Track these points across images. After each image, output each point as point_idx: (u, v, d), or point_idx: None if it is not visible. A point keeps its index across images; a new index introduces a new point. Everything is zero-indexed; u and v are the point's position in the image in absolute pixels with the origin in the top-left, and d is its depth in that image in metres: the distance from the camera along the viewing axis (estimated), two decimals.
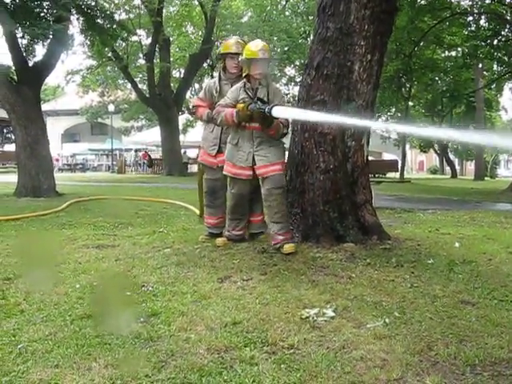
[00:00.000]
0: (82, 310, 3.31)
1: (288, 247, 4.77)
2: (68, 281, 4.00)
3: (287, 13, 31.75)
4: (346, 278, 4.04)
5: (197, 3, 26.68)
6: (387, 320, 3.15)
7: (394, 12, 5.45)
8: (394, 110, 34.48)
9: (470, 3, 24.19)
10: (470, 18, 24.58)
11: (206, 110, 5.51)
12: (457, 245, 5.57)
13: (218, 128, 5.43)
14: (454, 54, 28.80)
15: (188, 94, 31.09)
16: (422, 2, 21.41)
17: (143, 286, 3.86)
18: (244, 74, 5.03)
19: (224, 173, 5.18)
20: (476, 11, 24.06)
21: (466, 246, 5.59)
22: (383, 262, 4.58)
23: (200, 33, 29.93)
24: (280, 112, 4.73)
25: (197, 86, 33.87)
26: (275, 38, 29.17)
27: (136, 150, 40.49)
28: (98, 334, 2.90)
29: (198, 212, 7.77)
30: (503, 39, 22.83)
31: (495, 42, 23.19)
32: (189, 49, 29.41)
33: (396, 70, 21.90)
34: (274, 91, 5.12)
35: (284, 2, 31.81)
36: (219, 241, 5.22)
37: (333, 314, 3.23)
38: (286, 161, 5.35)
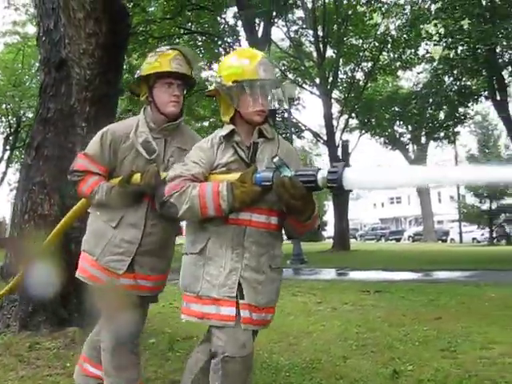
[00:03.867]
0: None
1: None
2: None
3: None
4: (59, 369, 3.88)
5: None
6: None
7: (115, 96, 5.58)
8: None
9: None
10: None
11: (102, 181, 2.89)
12: (183, 319, 5.73)
13: (135, 219, 2.85)
14: (206, 124, 30.83)
15: None
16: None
17: None
18: (227, 116, 2.52)
19: (184, 318, 2.58)
20: None
21: None
22: None
23: None
24: (360, 178, 2.16)
25: None
26: (25, 104, 28.29)
27: None
28: None
29: None
30: None
31: None
32: None
33: None
34: (288, 149, 2.61)
35: (38, 65, 31.06)
36: None
37: None
38: None
